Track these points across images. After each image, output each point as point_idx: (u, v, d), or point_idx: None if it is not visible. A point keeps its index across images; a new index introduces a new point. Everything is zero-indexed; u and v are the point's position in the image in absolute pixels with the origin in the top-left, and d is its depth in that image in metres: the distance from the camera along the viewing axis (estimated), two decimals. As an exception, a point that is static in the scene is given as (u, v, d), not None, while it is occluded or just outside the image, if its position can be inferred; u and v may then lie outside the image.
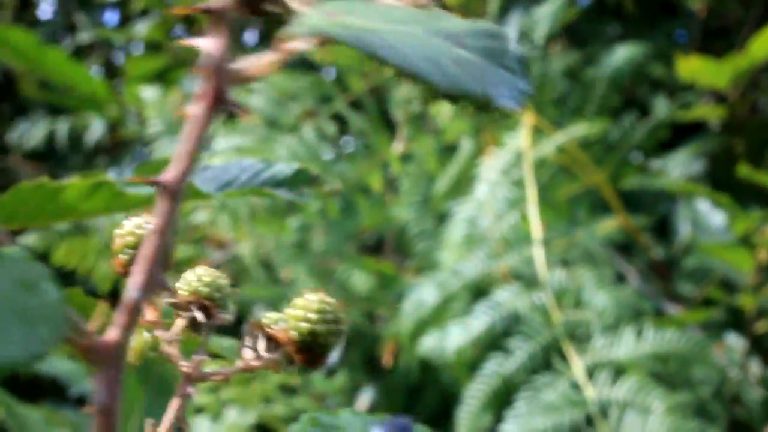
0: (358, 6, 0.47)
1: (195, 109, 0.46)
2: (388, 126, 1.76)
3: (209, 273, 0.59)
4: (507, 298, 1.52)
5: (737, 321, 1.80)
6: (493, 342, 1.52)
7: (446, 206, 1.68)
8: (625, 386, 1.45)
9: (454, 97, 0.43)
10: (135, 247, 0.58)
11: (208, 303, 0.58)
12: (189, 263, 1.77)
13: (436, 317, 1.56)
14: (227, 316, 0.58)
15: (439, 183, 1.71)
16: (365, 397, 1.77)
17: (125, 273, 0.58)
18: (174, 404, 0.57)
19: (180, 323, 0.58)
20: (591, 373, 1.47)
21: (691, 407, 1.49)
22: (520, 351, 1.49)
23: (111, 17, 2.77)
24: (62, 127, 2.39)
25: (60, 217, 0.68)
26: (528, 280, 1.54)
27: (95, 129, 2.32)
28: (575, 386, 1.47)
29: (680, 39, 2.31)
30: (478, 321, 1.52)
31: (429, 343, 1.55)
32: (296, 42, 0.45)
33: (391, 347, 1.68)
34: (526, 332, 1.50)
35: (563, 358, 1.49)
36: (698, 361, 1.52)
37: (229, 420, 1.60)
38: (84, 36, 2.48)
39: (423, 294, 1.57)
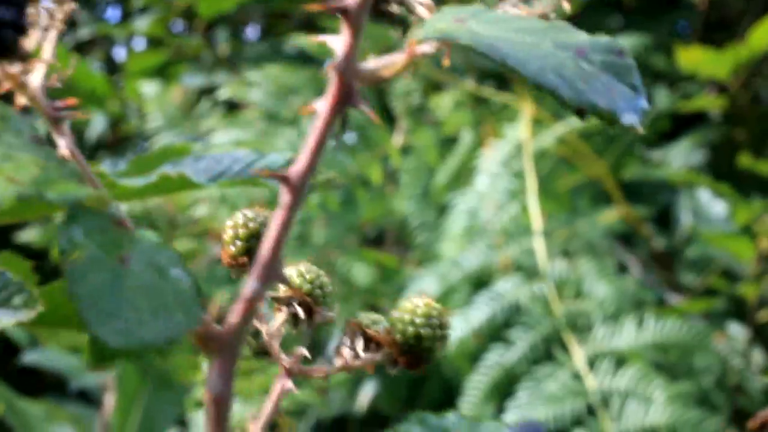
0: (483, 13, 0.47)
1: (321, 106, 0.46)
2: (388, 118, 1.75)
3: (312, 270, 0.59)
4: (508, 289, 1.52)
5: (739, 310, 1.80)
6: (494, 333, 1.52)
7: (447, 198, 1.68)
8: (626, 376, 1.45)
9: (581, 111, 0.43)
10: (245, 239, 0.58)
11: (309, 300, 0.58)
12: (190, 257, 1.76)
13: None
14: (329, 314, 0.59)
15: (439, 175, 1.71)
16: (367, 390, 1.77)
17: (234, 264, 0.58)
18: (273, 398, 0.57)
19: (281, 318, 0.58)
20: (592, 363, 1.47)
21: (693, 396, 1.49)
22: (521, 341, 1.49)
23: (113, 13, 2.77)
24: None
25: (54, 208, 0.67)
26: (528, 271, 1.54)
27: (96, 125, 2.32)
28: (576, 376, 1.47)
29: (681, 30, 2.31)
30: (479, 312, 1.52)
31: (430, 335, 1.54)
32: (424, 45, 0.45)
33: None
34: (527, 323, 1.50)
35: (564, 348, 1.49)
36: (699, 350, 1.52)
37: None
38: (85, 32, 2.48)
39: (424, 285, 1.57)
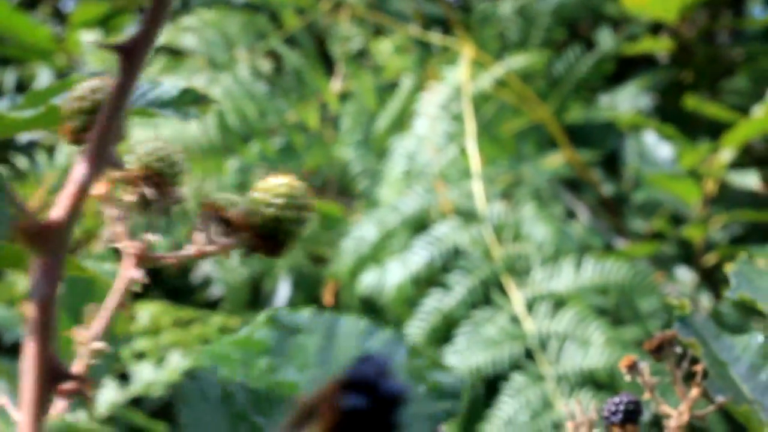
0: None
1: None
2: (327, 64, 1.72)
3: (161, 147, 0.54)
4: (446, 232, 1.50)
5: (687, 255, 1.78)
6: (433, 277, 1.50)
7: (388, 144, 1.65)
8: (564, 319, 1.43)
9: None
10: (88, 113, 0.54)
11: (160, 179, 0.53)
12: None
13: (376, 254, 1.54)
14: (180, 193, 0.54)
15: (379, 121, 1.69)
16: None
17: (74, 141, 0.54)
18: (117, 287, 0.53)
19: (129, 200, 0.53)
20: (531, 306, 1.46)
21: (635, 340, 1.48)
22: (460, 286, 1.47)
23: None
24: (9, 78, 2.35)
25: None
26: (467, 215, 1.52)
27: (42, 79, 2.28)
28: (515, 320, 1.45)
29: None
30: (417, 257, 1.50)
31: (369, 281, 1.53)
32: None
33: (331, 286, 1.66)
34: (466, 267, 1.48)
35: (503, 292, 1.47)
36: (642, 292, 1.50)
37: (172, 364, 1.59)
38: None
39: (362, 231, 1.55)
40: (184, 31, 1.65)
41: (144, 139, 0.54)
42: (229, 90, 1.59)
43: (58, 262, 0.40)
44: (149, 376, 1.59)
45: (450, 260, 1.50)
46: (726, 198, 1.76)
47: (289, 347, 0.51)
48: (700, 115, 1.80)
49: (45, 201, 1.64)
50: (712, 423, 1.42)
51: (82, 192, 0.40)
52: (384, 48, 1.72)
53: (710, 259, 1.73)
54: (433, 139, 1.57)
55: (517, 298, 1.46)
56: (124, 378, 1.63)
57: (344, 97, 1.73)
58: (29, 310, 0.41)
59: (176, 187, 0.54)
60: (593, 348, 1.41)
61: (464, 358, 1.43)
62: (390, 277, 1.50)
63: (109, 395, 1.58)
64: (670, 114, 1.86)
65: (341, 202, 1.80)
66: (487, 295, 1.48)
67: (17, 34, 2.15)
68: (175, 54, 1.71)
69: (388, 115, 1.67)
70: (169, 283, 1.88)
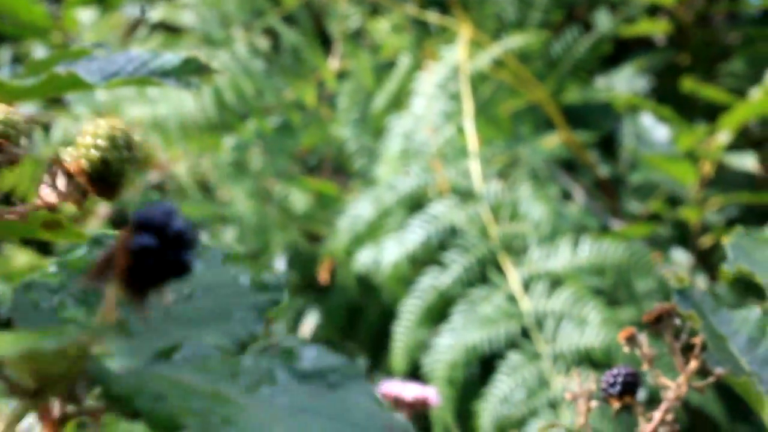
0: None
1: None
2: (324, 42, 1.72)
3: (2, 110, 0.55)
4: (443, 211, 1.50)
5: (683, 236, 1.79)
6: (429, 256, 1.50)
7: (385, 123, 1.65)
8: (561, 298, 1.43)
9: None
10: None
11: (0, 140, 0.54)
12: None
13: (372, 232, 1.54)
14: (20, 151, 0.54)
15: (377, 99, 1.68)
16: (310, 320, 1.75)
17: None
18: None
19: None
20: (527, 285, 1.46)
21: (632, 321, 1.48)
22: (456, 264, 1.47)
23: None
24: (5, 55, 2.35)
25: None
26: (464, 194, 1.52)
27: (39, 56, 2.27)
28: (511, 298, 1.45)
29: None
30: (414, 235, 1.49)
31: (365, 259, 1.53)
32: None
33: (327, 264, 1.66)
34: (462, 245, 1.48)
35: (499, 270, 1.47)
36: (639, 272, 1.51)
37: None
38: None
39: (358, 209, 1.55)
40: (181, 8, 1.64)
41: None
42: (227, 67, 1.58)
43: None
44: None
45: (446, 239, 1.50)
46: (722, 180, 1.76)
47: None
48: (697, 97, 1.80)
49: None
50: (707, 401, 1.43)
51: None
52: (381, 27, 1.71)
53: (706, 241, 1.73)
54: (431, 118, 1.57)
55: (514, 276, 1.46)
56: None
57: (341, 75, 1.73)
58: None
59: (16, 146, 0.55)
60: (589, 327, 1.41)
61: (460, 336, 1.43)
62: (386, 255, 1.50)
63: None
64: (667, 96, 1.86)
65: (337, 181, 1.79)
66: (484, 273, 1.48)
67: (13, 12, 2.14)
68: (172, 31, 1.71)
69: (386, 94, 1.67)
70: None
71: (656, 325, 0.69)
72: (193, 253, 0.36)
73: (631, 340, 0.70)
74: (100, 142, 0.52)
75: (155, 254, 0.36)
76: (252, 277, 0.51)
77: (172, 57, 0.78)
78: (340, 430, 0.39)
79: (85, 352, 0.37)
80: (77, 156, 0.52)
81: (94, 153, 0.52)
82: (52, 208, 0.53)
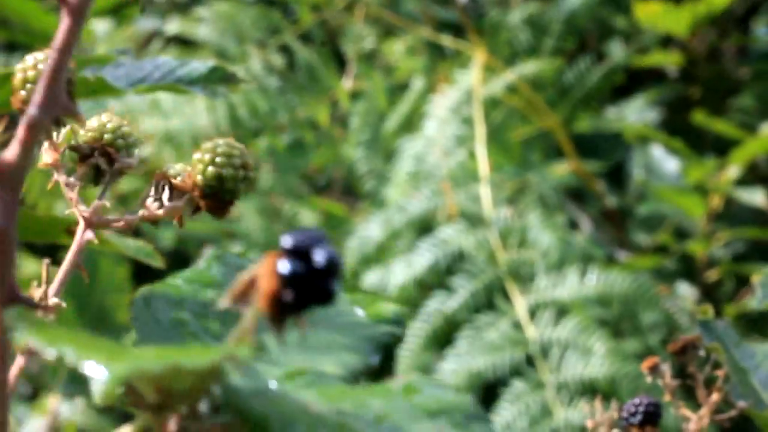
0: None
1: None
2: (338, 62, 1.73)
3: (114, 119, 0.57)
4: (451, 235, 1.50)
5: (689, 270, 1.79)
6: (436, 280, 1.49)
7: (396, 145, 1.65)
8: (567, 327, 1.43)
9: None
10: (36, 82, 0.55)
11: (111, 150, 0.56)
12: (135, 197, 1.73)
13: (380, 254, 1.54)
14: (132, 162, 0.56)
15: (389, 121, 1.69)
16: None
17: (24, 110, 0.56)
18: (73, 249, 0.55)
19: (81, 169, 0.56)
20: (533, 312, 1.45)
21: (636, 353, 1.47)
22: (463, 289, 1.47)
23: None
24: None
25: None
26: (473, 219, 1.52)
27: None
28: (517, 326, 1.45)
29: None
30: (422, 258, 1.49)
31: (372, 280, 1.52)
32: None
33: (334, 285, 1.66)
34: (470, 270, 1.48)
35: (506, 297, 1.47)
36: (645, 304, 1.50)
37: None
38: (42, -27, 2.43)
39: (367, 231, 1.55)
40: (196, 22, 1.65)
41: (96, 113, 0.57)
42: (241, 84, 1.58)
43: (14, 197, 0.42)
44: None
45: (454, 263, 1.50)
46: (730, 215, 1.76)
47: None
48: (707, 131, 1.80)
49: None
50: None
51: (33, 133, 0.43)
52: (396, 49, 1.72)
53: (712, 275, 1.73)
54: (442, 141, 1.57)
55: (520, 304, 1.46)
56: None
57: (355, 96, 1.73)
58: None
59: (127, 158, 0.56)
60: (594, 358, 1.41)
61: (464, 361, 1.42)
62: (393, 277, 1.50)
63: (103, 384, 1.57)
64: (677, 129, 1.86)
65: (346, 202, 1.80)
66: (491, 299, 1.47)
67: (27, 20, 2.15)
68: (187, 45, 1.71)
69: (398, 116, 1.67)
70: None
71: (681, 355, 0.69)
72: (339, 283, 0.36)
73: (654, 370, 0.70)
74: (218, 159, 0.52)
75: (304, 281, 0.36)
76: (370, 309, 0.51)
77: (199, 65, 0.79)
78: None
79: (217, 370, 0.37)
80: (193, 172, 0.53)
81: (211, 169, 0.52)
82: (155, 221, 0.54)
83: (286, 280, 0.36)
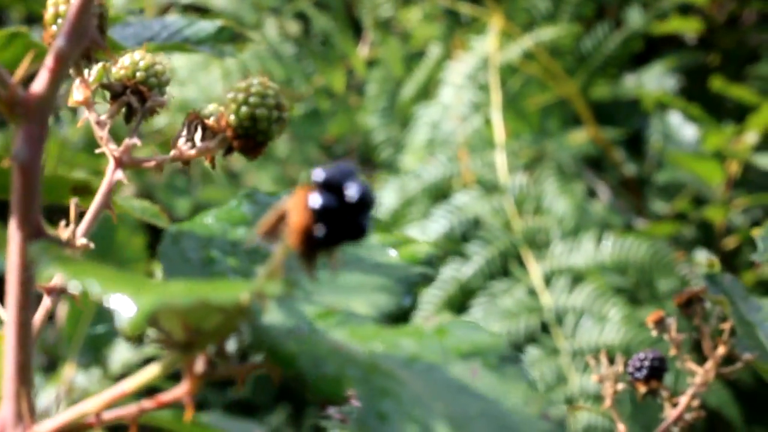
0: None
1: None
2: (355, 29, 1.72)
3: (146, 57, 0.56)
4: (467, 202, 1.50)
5: (707, 237, 1.78)
6: (452, 246, 1.49)
7: (412, 112, 1.65)
8: (582, 293, 1.43)
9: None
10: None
11: (143, 88, 0.55)
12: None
13: (395, 221, 1.53)
14: (162, 99, 0.55)
15: (405, 88, 1.68)
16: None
17: None
18: (103, 188, 0.55)
19: (113, 107, 0.55)
20: (548, 279, 1.45)
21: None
22: (478, 256, 1.47)
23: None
24: (36, 36, 2.36)
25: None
26: (489, 185, 1.52)
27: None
28: (532, 293, 1.45)
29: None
30: (437, 225, 1.49)
31: (387, 248, 1.52)
32: None
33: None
34: (485, 237, 1.48)
35: (521, 264, 1.47)
36: (661, 271, 1.50)
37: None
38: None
39: (383, 198, 1.55)
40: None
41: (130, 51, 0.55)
42: (257, 51, 1.58)
43: (40, 130, 0.42)
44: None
45: (469, 230, 1.50)
46: (748, 181, 1.75)
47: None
48: (725, 98, 1.79)
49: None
50: (725, 404, 1.42)
51: (61, 64, 0.42)
52: (412, 16, 1.71)
53: (730, 242, 1.72)
54: (458, 108, 1.57)
55: (536, 271, 1.46)
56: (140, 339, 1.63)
57: (371, 63, 1.73)
58: (13, 172, 0.42)
59: (159, 96, 0.55)
60: (609, 324, 1.40)
61: (480, 328, 1.42)
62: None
63: (122, 354, 1.58)
64: (695, 96, 1.85)
65: (362, 170, 1.79)
66: (506, 266, 1.47)
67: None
68: (203, 12, 1.71)
69: (414, 83, 1.67)
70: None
71: (686, 308, 0.69)
72: (371, 218, 0.35)
73: (660, 324, 0.70)
74: (252, 99, 0.51)
75: (335, 215, 0.35)
76: (403, 250, 0.50)
77: (206, 25, 0.79)
78: (498, 416, 0.38)
79: (245, 308, 0.36)
80: (226, 111, 0.52)
81: (245, 109, 0.51)
82: (187, 161, 0.53)
83: (318, 215, 0.34)
